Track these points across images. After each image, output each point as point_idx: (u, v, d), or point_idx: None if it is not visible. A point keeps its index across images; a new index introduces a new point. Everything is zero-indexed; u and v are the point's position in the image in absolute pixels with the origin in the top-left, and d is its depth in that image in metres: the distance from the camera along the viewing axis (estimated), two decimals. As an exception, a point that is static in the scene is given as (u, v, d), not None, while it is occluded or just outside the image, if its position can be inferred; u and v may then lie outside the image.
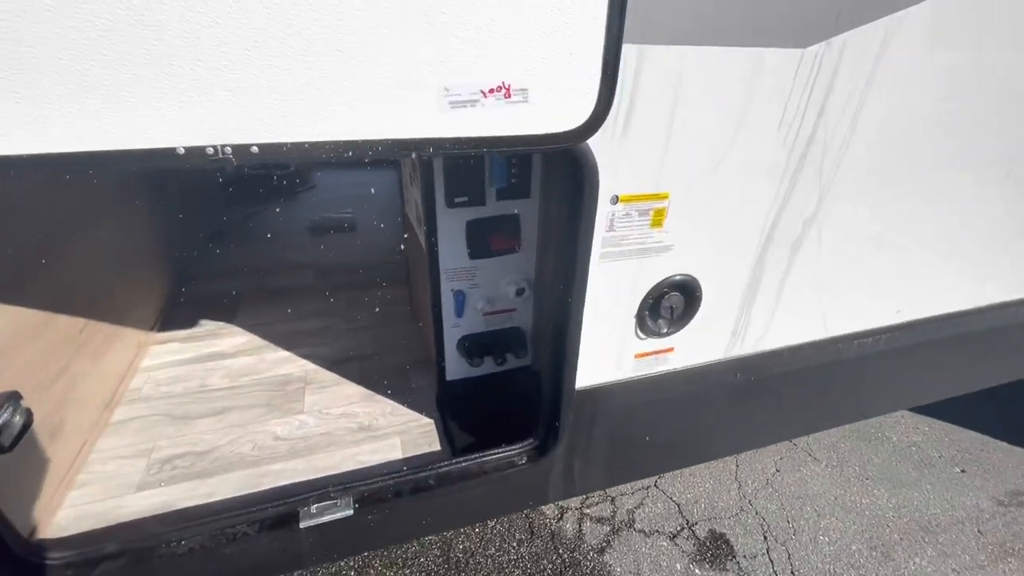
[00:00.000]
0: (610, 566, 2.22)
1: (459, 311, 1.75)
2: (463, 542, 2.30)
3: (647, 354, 1.48)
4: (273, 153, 0.88)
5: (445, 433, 1.73)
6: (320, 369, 2.06)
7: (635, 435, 1.64)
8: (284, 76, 0.83)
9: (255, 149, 0.87)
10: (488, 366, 1.82)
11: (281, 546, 1.36)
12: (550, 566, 2.21)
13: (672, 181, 1.23)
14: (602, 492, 2.56)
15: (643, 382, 1.52)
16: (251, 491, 1.50)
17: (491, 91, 0.94)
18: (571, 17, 0.92)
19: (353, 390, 1.95)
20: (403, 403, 1.88)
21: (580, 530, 2.38)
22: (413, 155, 0.96)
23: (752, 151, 1.25)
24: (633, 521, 2.43)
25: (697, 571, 2.21)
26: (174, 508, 1.45)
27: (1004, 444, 2.97)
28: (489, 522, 2.38)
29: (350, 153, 0.92)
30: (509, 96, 0.95)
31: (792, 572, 2.22)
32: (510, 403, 1.79)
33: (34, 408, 1.28)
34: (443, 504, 1.49)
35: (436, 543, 2.29)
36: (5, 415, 1.14)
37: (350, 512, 1.36)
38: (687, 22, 1.04)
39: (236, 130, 0.85)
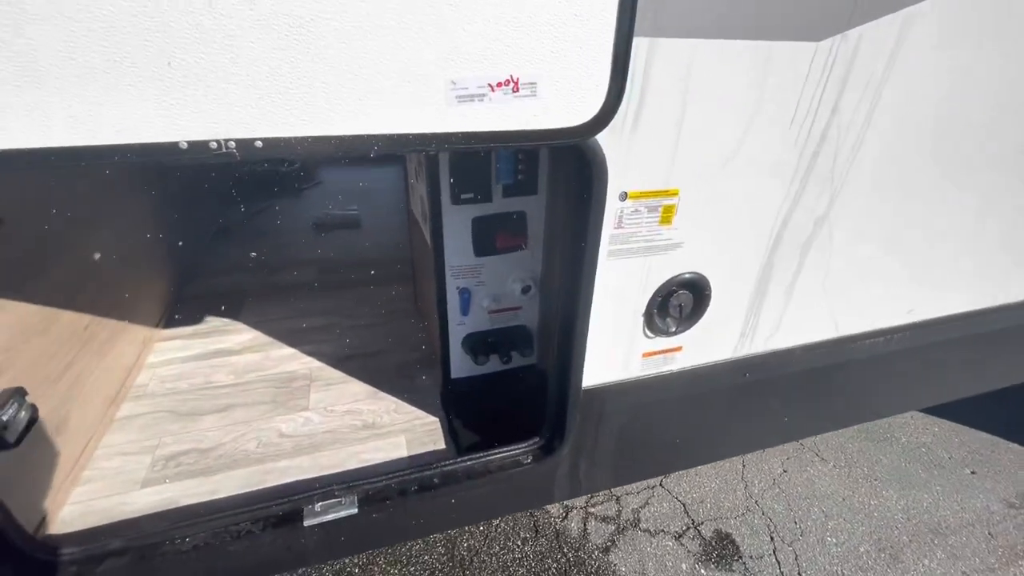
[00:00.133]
0: (615, 565, 2.21)
1: (464, 309, 1.74)
2: (467, 540, 2.30)
3: (655, 353, 1.46)
4: (277, 148, 0.87)
5: (450, 431, 1.73)
6: (325, 366, 2.06)
7: (642, 435, 1.63)
8: (289, 69, 0.82)
9: (259, 144, 0.86)
10: (494, 364, 1.80)
11: (285, 544, 1.35)
12: (555, 565, 2.20)
13: (682, 177, 1.20)
14: (607, 491, 2.54)
15: (651, 381, 1.50)
16: (255, 488, 1.50)
17: (499, 85, 0.92)
18: (580, 8, 0.90)
19: (358, 387, 1.94)
20: (408, 401, 1.87)
21: (585, 529, 2.37)
22: (419, 150, 0.95)
23: (764, 147, 1.23)
24: (638, 520, 2.42)
25: (703, 571, 2.20)
26: (178, 505, 1.45)
27: (1015, 445, 2.93)
28: (494, 520, 2.38)
29: (355, 148, 0.91)
30: (517, 90, 0.94)
31: (799, 573, 2.19)
32: (515, 402, 1.78)
33: (39, 404, 1.28)
34: (448, 503, 1.48)
35: (440, 541, 2.29)
36: (10, 411, 1.15)
37: (354, 510, 1.35)
38: (699, 13, 1.02)
39: (240, 124, 0.84)
